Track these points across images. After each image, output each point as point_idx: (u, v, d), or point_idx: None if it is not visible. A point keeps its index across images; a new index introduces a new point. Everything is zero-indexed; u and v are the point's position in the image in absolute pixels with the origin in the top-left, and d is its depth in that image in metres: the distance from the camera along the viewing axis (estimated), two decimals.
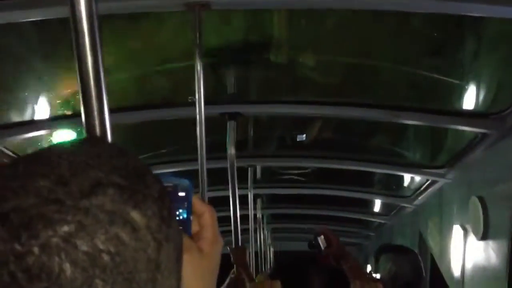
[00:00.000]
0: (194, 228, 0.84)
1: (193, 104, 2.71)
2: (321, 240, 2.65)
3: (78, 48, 1.14)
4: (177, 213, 0.83)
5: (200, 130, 2.69)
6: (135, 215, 0.59)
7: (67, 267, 0.54)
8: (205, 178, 2.81)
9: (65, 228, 0.55)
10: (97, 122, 1.16)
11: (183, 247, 0.76)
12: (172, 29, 3.00)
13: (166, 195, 0.65)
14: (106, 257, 0.56)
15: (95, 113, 1.15)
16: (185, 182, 0.84)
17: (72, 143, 0.67)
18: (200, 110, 2.64)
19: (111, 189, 0.58)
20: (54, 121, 3.49)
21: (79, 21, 1.14)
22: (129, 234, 0.57)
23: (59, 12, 2.23)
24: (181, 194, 0.83)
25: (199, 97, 2.62)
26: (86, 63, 1.15)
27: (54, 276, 0.53)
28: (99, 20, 1.18)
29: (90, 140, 0.71)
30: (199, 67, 2.52)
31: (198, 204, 0.85)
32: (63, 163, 0.60)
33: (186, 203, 0.84)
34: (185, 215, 0.83)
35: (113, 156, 0.63)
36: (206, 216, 0.85)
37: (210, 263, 0.83)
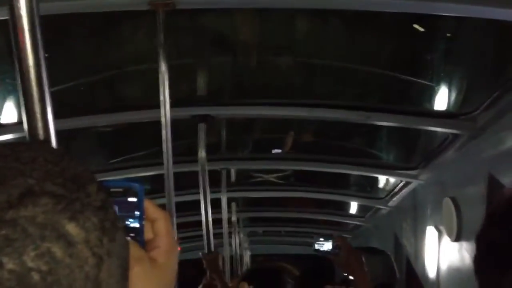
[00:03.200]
0: (148, 235, 0.76)
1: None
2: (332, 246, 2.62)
3: (18, 48, 1.07)
4: (127, 221, 0.75)
5: (165, 133, 2.63)
6: (71, 227, 0.52)
7: None
8: (172, 182, 2.74)
9: None
10: (39, 124, 1.08)
11: (133, 258, 0.70)
12: (136, 30, 2.93)
13: (110, 205, 0.58)
14: (36, 277, 0.49)
15: (38, 114, 1.08)
16: (136, 186, 0.76)
17: (5, 146, 0.58)
18: (165, 113, 2.58)
19: (43, 199, 0.52)
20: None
21: (18, 20, 1.07)
22: (64, 250, 0.51)
23: None
24: (132, 199, 0.76)
25: (164, 99, 2.55)
26: (26, 64, 1.09)
27: None
28: (41, 20, 1.11)
29: (27, 144, 0.62)
30: (163, 68, 2.45)
31: (151, 209, 0.77)
32: None
33: (137, 209, 0.76)
34: (136, 223, 0.76)
35: (49, 161, 0.56)
36: (160, 222, 0.77)
37: (164, 275, 0.75)
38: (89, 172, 0.59)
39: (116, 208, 0.72)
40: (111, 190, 0.74)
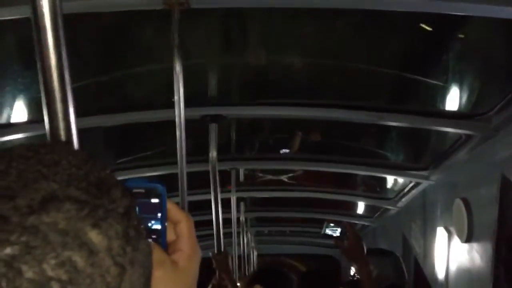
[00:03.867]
0: (170, 237, 0.75)
1: (173, 106, 2.63)
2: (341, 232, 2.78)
3: (40, 47, 1.07)
4: (149, 223, 0.74)
5: (179, 133, 2.62)
6: (94, 235, 0.50)
7: None
8: (185, 181, 2.74)
9: (8, 251, 0.46)
10: (61, 125, 1.08)
11: (155, 261, 0.68)
12: (151, 30, 2.93)
13: (134, 211, 0.56)
14: (55, 286, 0.47)
15: (60, 115, 1.07)
16: (159, 187, 0.75)
17: (28, 148, 0.56)
18: (180, 112, 2.57)
19: (66, 204, 0.50)
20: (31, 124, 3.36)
21: (41, 19, 1.06)
22: (85, 258, 0.49)
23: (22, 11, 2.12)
24: (154, 200, 0.74)
25: (179, 98, 2.54)
26: (48, 63, 1.08)
27: None
28: (64, 19, 1.10)
29: (50, 145, 0.60)
30: (178, 67, 2.45)
31: (174, 211, 0.75)
32: (11, 172, 0.51)
33: (160, 210, 0.75)
34: (159, 225, 0.74)
35: (73, 165, 0.54)
36: (182, 225, 0.75)
37: (186, 279, 0.73)
38: (113, 176, 0.57)
39: (138, 209, 0.73)
40: (134, 191, 0.72)
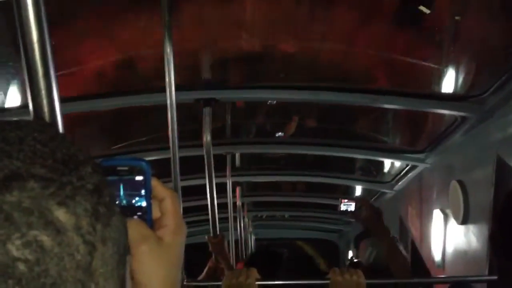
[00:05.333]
0: (155, 214, 0.75)
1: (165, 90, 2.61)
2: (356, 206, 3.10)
3: (21, 23, 1.04)
4: (134, 200, 0.74)
5: (171, 116, 2.59)
6: (61, 214, 0.48)
7: None
8: (178, 166, 2.72)
9: None
10: (44, 102, 1.05)
11: (141, 236, 0.69)
12: (141, 10, 2.89)
13: (105, 187, 0.54)
14: (21, 267, 0.45)
15: (43, 91, 1.05)
16: (143, 164, 0.75)
17: None
18: (171, 96, 2.54)
19: (30, 183, 0.48)
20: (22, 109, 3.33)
21: None
22: (52, 238, 0.47)
23: None
24: (139, 178, 0.74)
25: (169, 82, 2.51)
26: (30, 37, 1.05)
27: None
28: None
29: (15, 122, 0.57)
30: (168, 50, 2.41)
31: (158, 188, 0.75)
32: None
33: (144, 187, 0.74)
34: (143, 201, 0.74)
35: (38, 141, 0.52)
36: (167, 201, 0.75)
37: (171, 254, 0.73)
38: (83, 153, 0.55)
39: (122, 187, 0.74)
40: (117, 168, 0.73)
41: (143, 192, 0.75)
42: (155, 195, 0.75)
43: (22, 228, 0.46)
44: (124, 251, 0.57)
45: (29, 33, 1.05)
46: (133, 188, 0.74)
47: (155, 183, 0.75)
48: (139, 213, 0.74)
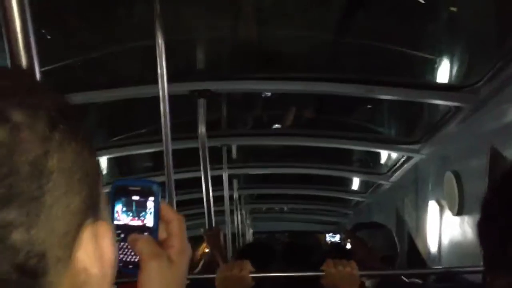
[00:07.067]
0: (162, 235, 0.81)
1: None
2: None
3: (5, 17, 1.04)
4: (143, 219, 0.81)
5: (163, 108, 2.59)
6: (18, 114, 0.49)
7: None
8: (171, 159, 2.71)
9: None
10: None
11: (152, 254, 0.76)
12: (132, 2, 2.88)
13: (72, 116, 0.55)
14: None
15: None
16: (154, 186, 0.81)
17: None
18: (163, 87, 2.53)
19: None
20: None
21: None
22: (8, 132, 0.48)
23: None
24: (149, 199, 0.81)
25: (161, 73, 2.50)
26: (14, 29, 1.05)
27: None
28: None
29: None
30: (160, 40, 2.40)
31: (166, 211, 0.82)
32: None
33: (153, 208, 0.81)
34: (151, 222, 0.81)
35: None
36: (174, 224, 0.82)
37: (177, 273, 0.79)
38: (45, 85, 0.57)
39: (134, 206, 0.81)
40: (129, 188, 0.80)
41: (151, 212, 0.81)
42: (163, 217, 0.82)
43: None
44: (92, 173, 0.55)
45: (13, 24, 1.05)
46: (143, 208, 0.81)
47: (164, 205, 0.82)
48: (146, 232, 0.80)
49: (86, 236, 0.53)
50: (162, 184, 0.84)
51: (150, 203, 0.80)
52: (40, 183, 0.49)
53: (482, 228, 0.87)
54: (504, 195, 0.83)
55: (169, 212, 0.82)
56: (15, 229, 0.47)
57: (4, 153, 0.48)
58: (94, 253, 0.53)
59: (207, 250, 4.21)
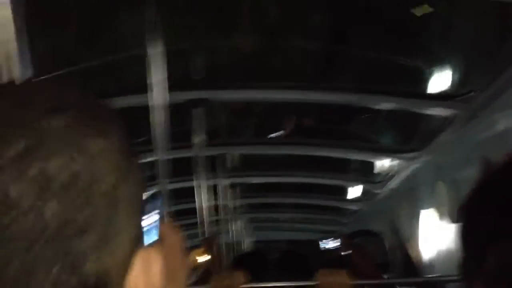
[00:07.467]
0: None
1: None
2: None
3: None
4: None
5: (159, 118, 2.60)
6: (95, 143, 0.51)
7: (13, 189, 0.47)
8: (165, 168, 2.71)
9: (13, 151, 0.48)
10: None
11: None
12: (129, 10, 2.88)
13: (128, 136, 0.56)
14: (55, 184, 0.48)
15: None
16: (157, 203, 0.79)
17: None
18: (159, 96, 2.54)
19: (68, 116, 0.51)
20: None
21: None
22: (86, 163, 0.50)
23: None
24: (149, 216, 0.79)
25: (157, 82, 2.51)
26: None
27: None
28: None
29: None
30: (156, 49, 2.41)
31: (163, 227, 0.79)
32: (22, 88, 0.55)
33: (155, 226, 0.79)
34: (151, 238, 0.79)
35: (75, 92, 0.56)
36: (171, 240, 0.81)
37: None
38: (109, 104, 0.58)
39: None
40: None
41: (151, 230, 0.79)
42: (160, 233, 0.80)
43: (61, 151, 0.49)
44: (142, 203, 0.58)
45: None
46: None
47: (162, 225, 0.79)
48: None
49: (138, 262, 0.55)
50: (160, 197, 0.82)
51: (154, 218, 0.81)
52: (110, 212, 0.51)
53: (461, 234, 0.88)
54: (484, 200, 0.84)
55: (166, 228, 0.80)
56: (87, 259, 0.49)
57: (81, 185, 0.49)
58: (145, 278, 0.55)
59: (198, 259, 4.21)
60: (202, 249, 3.58)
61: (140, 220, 0.56)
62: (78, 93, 0.57)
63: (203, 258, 4.08)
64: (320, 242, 3.07)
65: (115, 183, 0.51)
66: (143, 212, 0.58)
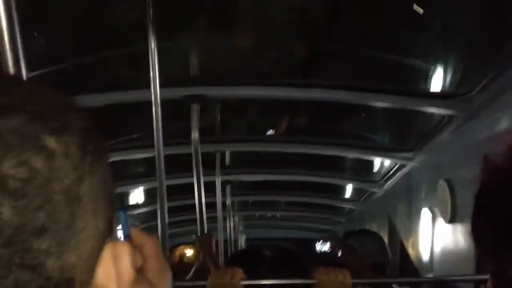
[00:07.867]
0: (138, 262, 0.80)
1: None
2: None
3: None
4: None
5: (156, 114, 2.57)
6: (52, 141, 0.50)
7: None
8: (163, 164, 2.69)
9: None
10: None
11: (135, 282, 0.71)
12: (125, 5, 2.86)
13: (94, 133, 0.55)
14: (14, 184, 0.47)
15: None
16: (119, 213, 0.76)
17: None
18: (156, 92, 2.52)
19: (24, 114, 0.50)
20: None
21: None
22: (44, 161, 0.49)
23: None
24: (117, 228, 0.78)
25: (154, 78, 2.49)
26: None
27: None
28: None
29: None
30: (153, 45, 2.39)
31: (137, 236, 0.80)
32: None
33: (122, 237, 0.77)
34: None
35: (31, 88, 0.56)
36: (148, 247, 0.81)
37: None
38: (73, 102, 0.57)
39: None
40: None
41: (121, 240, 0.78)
42: (136, 242, 0.80)
43: (17, 150, 0.48)
44: (111, 191, 0.57)
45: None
46: None
47: (134, 231, 0.80)
48: None
49: (106, 255, 0.54)
50: (126, 209, 0.82)
51: (119, 233, 0.76)
52: (72, 209, 0.50)
53: (474, 233, 0.86)
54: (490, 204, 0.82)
55: (140, 236, 0.80)
56: (48, 257, 0.48)
57: (39, 183, 0.48)
58: (113, 272, 0.55)
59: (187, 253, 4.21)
60: (192, 245, 3.58)
61: (110, 214, 0.55)
62: (40, 92, 0.55)
63: (190, 252, 4.08)
64: (316, 244, 3.05)
65: (77, 179, 0.50)
66: (113, 206, 0.56)
